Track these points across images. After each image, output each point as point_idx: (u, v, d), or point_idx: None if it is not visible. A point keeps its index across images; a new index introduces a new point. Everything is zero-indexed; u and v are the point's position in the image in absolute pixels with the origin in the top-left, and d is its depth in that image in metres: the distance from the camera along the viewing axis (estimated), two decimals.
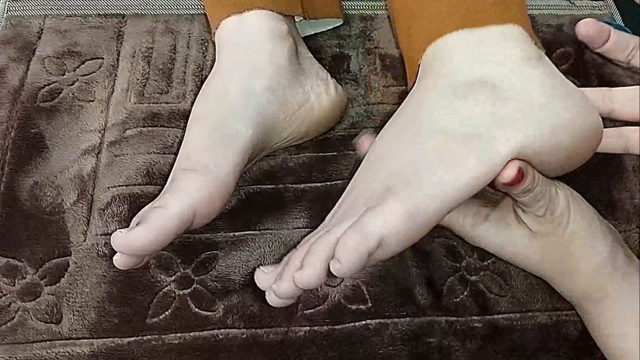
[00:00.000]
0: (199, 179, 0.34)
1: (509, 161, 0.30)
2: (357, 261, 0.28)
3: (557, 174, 0.35)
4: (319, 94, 0.44)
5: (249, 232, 0.41)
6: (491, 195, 0.39)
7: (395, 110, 0.36)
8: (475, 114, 0.31)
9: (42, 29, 0.52)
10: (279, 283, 0.30)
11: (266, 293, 0.31)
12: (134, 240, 0.32)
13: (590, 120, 0.33)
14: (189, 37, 0.53)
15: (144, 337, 0.37)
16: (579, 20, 0.50)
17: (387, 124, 0.36)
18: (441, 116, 0.32)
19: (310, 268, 0.28)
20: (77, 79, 0.49)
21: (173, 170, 0.36)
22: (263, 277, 0.32)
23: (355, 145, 0.36)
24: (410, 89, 0.37)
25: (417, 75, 0.36)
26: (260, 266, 0.33)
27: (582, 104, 0.33)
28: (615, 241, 0.36)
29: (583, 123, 0.32)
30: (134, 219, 0.33)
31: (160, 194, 0.34)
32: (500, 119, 0.31)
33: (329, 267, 0.28)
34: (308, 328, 0.38)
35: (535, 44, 0.34)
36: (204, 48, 0.52)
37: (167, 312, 0.38)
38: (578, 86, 0.34)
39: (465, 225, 0.38)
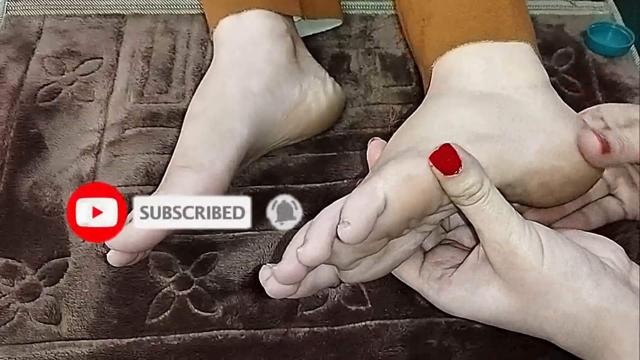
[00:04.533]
0: (193, 176, 0.34)
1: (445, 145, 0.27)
2: (366, 221, 0.26)
3: (554, 202, 0.34)
4: (317, 92, 0.43)
5: (249, 232, 0.41)
6: (455, 254, 0.34)
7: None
8: (484, 121, 0.32)
9: (41, 29, 0.52)
10: (279, 265, 0.27)
11: (265, 284, 0.28)
12: (127, 237, 0.32)
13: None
14: (189, 37, 0.53)
15: (143, 338, 0.37)
16: (580, 20, 0.50)
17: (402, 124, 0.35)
18: (454, 115, 0.32)
19: (315, 240, 0.26)
20: (77, 79, 0.49)
21: (168, 167, 0.36)
22: (266, 272, 0.29)
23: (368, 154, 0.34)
24: (426, 91, 0.37)
25: (430, 78, 0.37)
26: (263, 264, 0.32)
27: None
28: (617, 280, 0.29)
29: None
30: (127, 216, 0.33)
31: (155, 191, 0.34)
32: (510, 130, 0.31)
33: (333, 239, 0.26)
34: (307, 329, 0.38)
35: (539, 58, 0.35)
36: (203, 48, 0.52)
37: (166, 313, 0.38)
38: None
39: (430, 291, 0.32)
